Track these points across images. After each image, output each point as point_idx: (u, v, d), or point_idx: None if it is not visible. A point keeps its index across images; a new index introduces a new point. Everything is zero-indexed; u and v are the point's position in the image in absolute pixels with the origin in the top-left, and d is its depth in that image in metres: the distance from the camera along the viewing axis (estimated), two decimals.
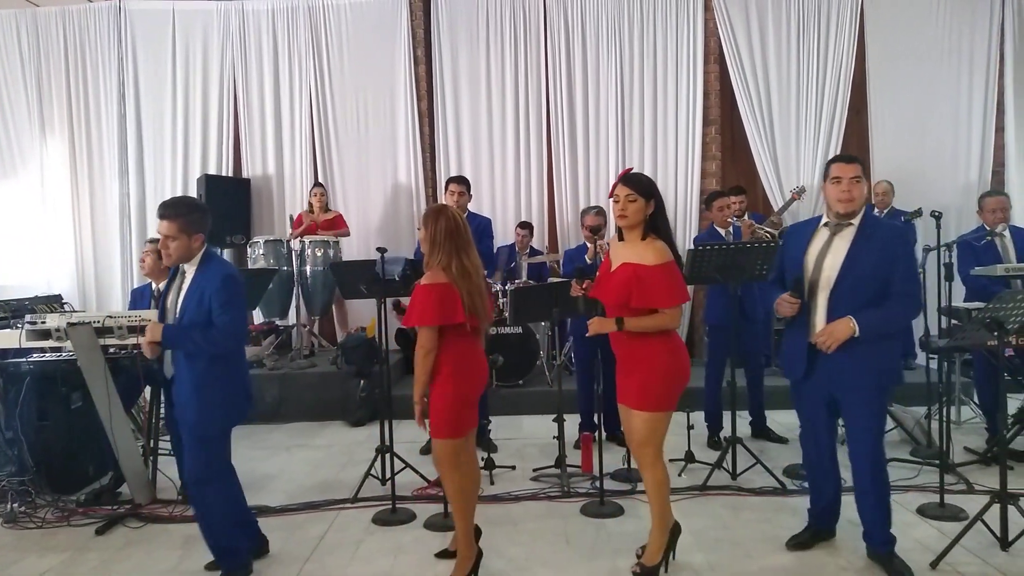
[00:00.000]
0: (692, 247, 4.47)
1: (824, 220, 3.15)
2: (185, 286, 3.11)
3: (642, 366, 2.97)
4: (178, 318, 3.08)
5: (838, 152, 7.41)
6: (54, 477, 4.24)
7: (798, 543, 3.36)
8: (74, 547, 3.64)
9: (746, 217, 5.71)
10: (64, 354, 4.40)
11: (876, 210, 6.73)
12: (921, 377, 5.23)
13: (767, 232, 5.50)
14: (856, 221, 3.06)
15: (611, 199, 3.05)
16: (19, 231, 7.88)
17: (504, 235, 7.56)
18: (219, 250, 7.61)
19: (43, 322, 3.83)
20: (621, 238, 3.07)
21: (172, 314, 3.13)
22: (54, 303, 5.46)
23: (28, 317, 3.91)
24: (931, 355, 4.71)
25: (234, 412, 3.18)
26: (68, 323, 3.77)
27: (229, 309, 3.04)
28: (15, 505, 4.03)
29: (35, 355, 4.42)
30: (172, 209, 3.07)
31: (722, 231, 5.21)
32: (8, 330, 4.07)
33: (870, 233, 3.02)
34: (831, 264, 3.02)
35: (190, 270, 3.12)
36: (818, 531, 3.39)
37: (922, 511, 3.74)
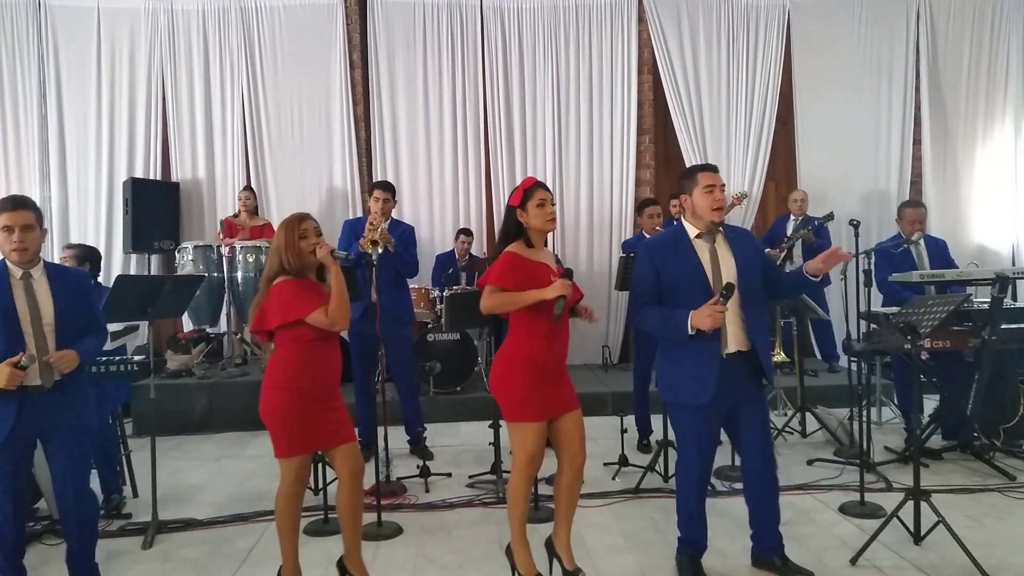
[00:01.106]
0: (622, 254, 4.56)
1: (695, 232, 3.08)
2: (44, 294, 2.89)
3: (563, 367, 3.09)
4: (61, 329, 2.90)
5: (766, 161, 7.67)
6: None
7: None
8: None
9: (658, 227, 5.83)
10: None
11: (792, 216, 7.02)
12: (843, 380, 5.46)
13: None
14: (720, 228, 3.11)
15: (535, 204, 2.98)
16: None
17: (443, 241, 7.56)
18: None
19: None
20: (529, 244, 3.05)
21: (32, 325, 2.85)
22: None
23: None
24: (852, 358, 4.89)
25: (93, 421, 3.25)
26: None
27: (99, 310, 3.17)
28: None
29: None
30: (22, 201, 2.88)
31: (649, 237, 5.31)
32: None
33: (732, 237, 3.13)
34: (728, 272, 3.01)
35: (39, 276, 2.91)
36: (697, 560, 3.24)
37: (844, 509, 3.88)
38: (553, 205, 3.02)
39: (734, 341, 3.01)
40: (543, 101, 7.68)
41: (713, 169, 3.13)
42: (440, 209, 7.70)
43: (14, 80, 7.49)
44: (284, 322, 2.94)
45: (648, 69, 7.75)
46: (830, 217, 5.01)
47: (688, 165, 7.52)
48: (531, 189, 3.00)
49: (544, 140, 7.68)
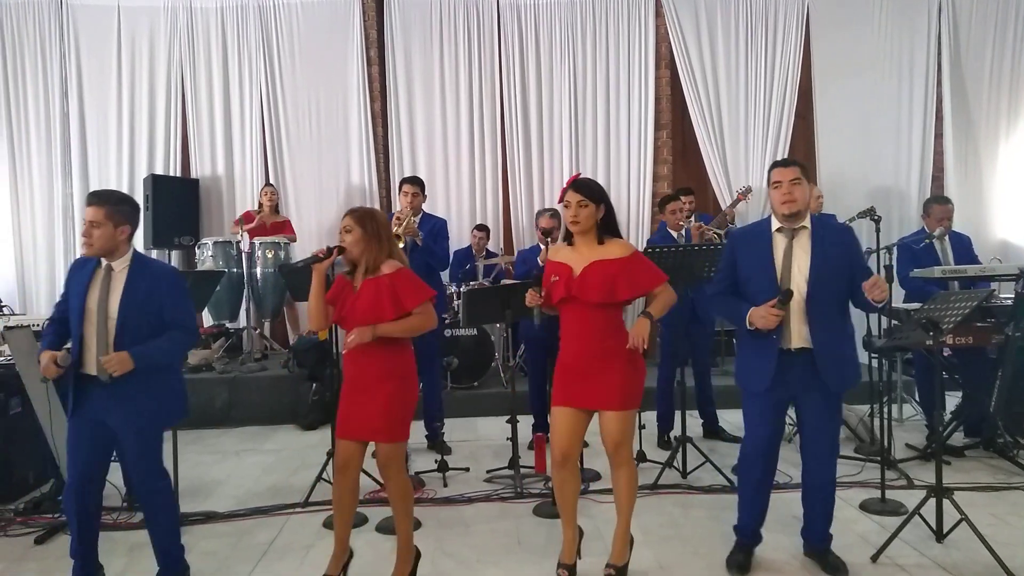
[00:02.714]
0: (644, 249, 4.54)
1: (776, 226, 3.12)
2: (118, 288, 2.92)
3: (613, 366, 2.99)
4: (119, 324, 2.90)
5: (785, 156, 7.61)
6: None
7: (740, 567, 3.20)
8: (11, 557, 3.52)
9: (692, 219, 5.80)
10: (2, 359, 4.26)
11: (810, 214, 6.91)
12: (864, 376, 5.40)
13: (715, 233, 5.60)
14: (807, 224, 3.10)
15: (562, 204, 3.07)
16: None
17: (459, 237, 7.56)
18: (167, 251, 7.46)
19: None
20: (569, 243, 3.10)
21: (97, 316, 2.90)
22: None
23: None
24: (873, 355, 4.85)
25: (172, 414, 3.11)
26: (6, 326, 3.67)
27: (183, 305, 3.00)
28: None
29: None
30: (99, 196, 2.97)
31: (675, 234, 5.28)
32: None
33: (823, 235, 3.08)
34: (799, 271, 3.01)
35: (120, 270, 2.96)
36: (749, 545, 3.29)
37: (864, 506, 3.85)
38: (584, 206, 2.99)
39: (797, 337, 3.02)
40: (560, 97, 7.67)
41: (784, 164, 3.14)
42: (457, 205, 7.71)
43: (36, 78, 7.60)
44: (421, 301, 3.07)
45: (665, 64, 7.71)
46: (869, 212, 4.86)
47: (706, 160, 7.56)
48: (566, 189, 3.04)
49: (561, 136, 7.67)
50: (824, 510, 3.18)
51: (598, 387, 3.00)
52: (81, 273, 2.96)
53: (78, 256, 6.10)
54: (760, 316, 2.95)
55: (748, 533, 3.25)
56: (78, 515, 2.97)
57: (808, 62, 7.68)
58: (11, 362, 3.88)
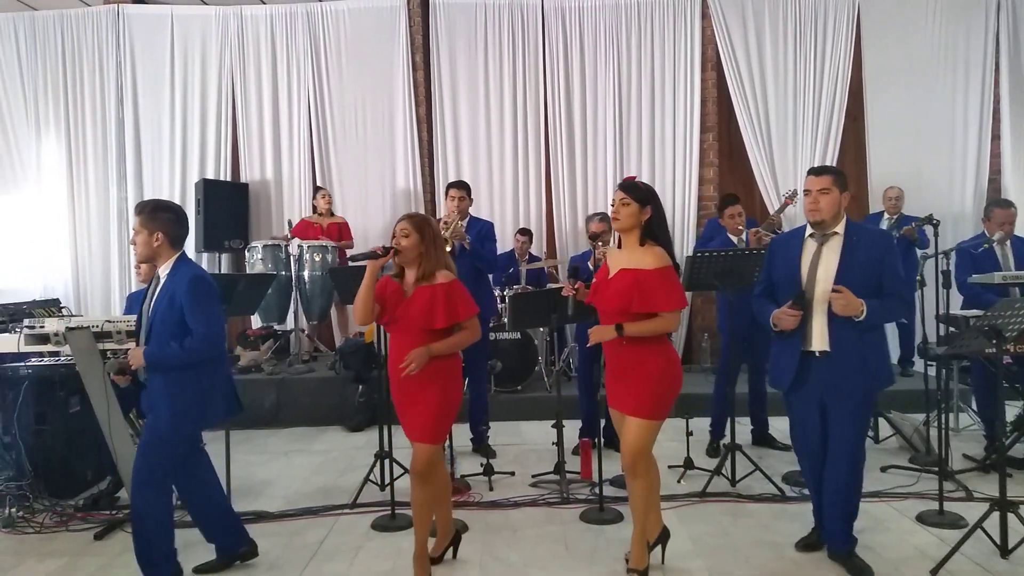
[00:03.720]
0: (693, 253, 4.49)
1: (809, 231, 3.19)
2: (156, 291, 3.10)
3: (638, 372, 2.99)
4: (148, 324, 3.07)
5: (835, 158, 7.46)
6: (52, 482, 4.22)
7: (807, 544, 3.39)
8: (72, 552, 3.63)
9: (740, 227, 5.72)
10: (62, 358, 4.39)
11: (886, 216, 6.73)
12: (919, 384, 5.25)
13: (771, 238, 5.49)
14: (840, 230, 3.12)
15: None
16: (17, 235, 7.85)
17: (502, 241, 7.56)
18: (217, 255, 7.62)
19: (41, 326, 3.83)
20: (620, 246, 3.10)
21: (143, 321, 3.12)
22: (52, 307, 5.44)
23: (26, 321, 3.91)
24: (929, 362, 4.72)
25: (208, 415, 3.18)
26: (67, 327, 3.75)
27: (199, 312, 3.00)
28: (13, 510, 4.01)
29: (33, 359, 4.41)
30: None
31: (734, 238, 5.20)
32: (6, 334, 4.06)
33: (856, 241, 3.09)
34: (824, 275, 3.07)
35: (164, 276, 3.10)
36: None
37: (921, 519, 3.74)
38: (625, 204, 3.02)
39: (819, 340, 3.10)
40: (604, 100, 7.64)
41: (817, 172, 3.17)
42: (500, 209, 7.72)
43: (94, 86, 7.85)
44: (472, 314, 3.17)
45: (712, 66, 7.62)
46: (929, 220, 4.74)
47: (753, 163, 7.45)
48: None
49: (605, 139, 7.63)
50: (843, 512, 3.19)
51: (625, 391, 3.04)
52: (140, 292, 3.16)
53: (133, 263, 6.29)
54: (780, 317, 3.10)
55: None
56: None
57: (859, 61, 7.52)
58: (71, 361, 3.99)
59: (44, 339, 3.83)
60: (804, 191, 3.16)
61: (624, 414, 3.05)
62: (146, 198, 7.73)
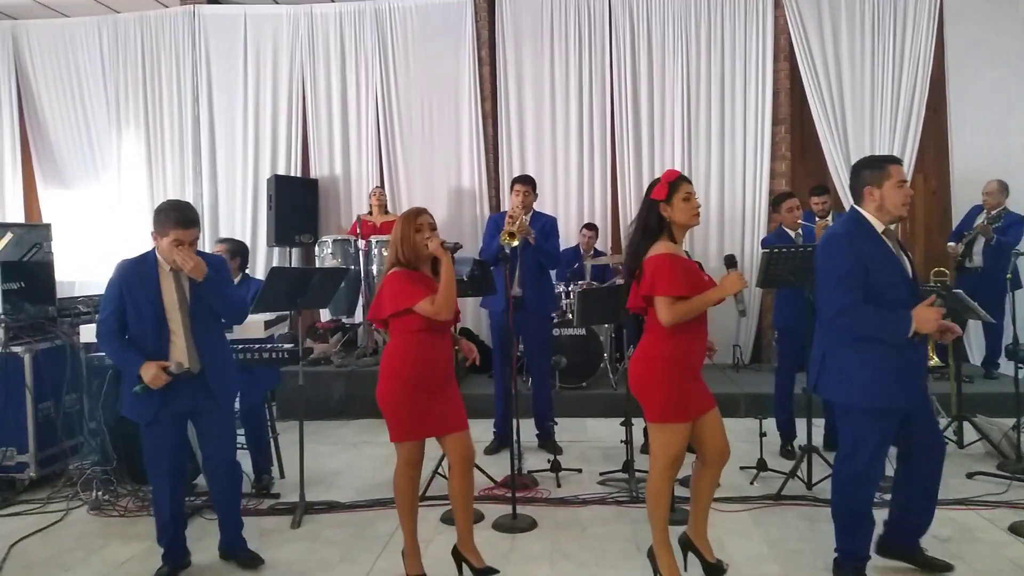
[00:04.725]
0: (762, 250, 4.37)
1: (881, 227, 2.93)
2: (188, 282, 3.24)
3: (645, 369, 2.96)
4: (194, 313, 3.22)
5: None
6: (134, 467, 4.36)
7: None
8: (154, 536, 3.70)
9: (831, 218, 5.57)
10: None
11: (985, 211, 6.39)
12: (1007, 387, 5.01)
13: None
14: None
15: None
16: (98, 230, 8.16)
17: (567, 236, 7.51)
18: (288, 249, 7.79)
19: None
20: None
21: (175, 311, 3.20)
22: None
23: None
24: (1019, 364, 4.49)
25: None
26: None
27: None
28: (99, 493, 4.17)
29: None
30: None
31: (791, 232, 5.06)
32: (91, 325, 4.21)
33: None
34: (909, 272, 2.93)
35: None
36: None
37: (1015, 529, 3.55)
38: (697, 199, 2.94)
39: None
40: (672, 93, 7.50)
41: (900, 162, 3.02)
42: (565, 204, 7.68)
43: (171, 85, 8.09)
44: (395, 311, 3.01)
45: (784, 56, 7.40)
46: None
47: (827, 156, 7.22)
48: (676, 182, 2.91)
49: (673, 133, 7.50)
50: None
51: (704, 386, 2.97)
52: (143, 280, 3.19)
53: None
54: (931, 319, 2.73)
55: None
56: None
57: (941, 50, 7.20)
58: None
59: None
60: (900, 182, 2.90)
61: (712, 409, 2.93)
62: (220, 193, 8.03)
